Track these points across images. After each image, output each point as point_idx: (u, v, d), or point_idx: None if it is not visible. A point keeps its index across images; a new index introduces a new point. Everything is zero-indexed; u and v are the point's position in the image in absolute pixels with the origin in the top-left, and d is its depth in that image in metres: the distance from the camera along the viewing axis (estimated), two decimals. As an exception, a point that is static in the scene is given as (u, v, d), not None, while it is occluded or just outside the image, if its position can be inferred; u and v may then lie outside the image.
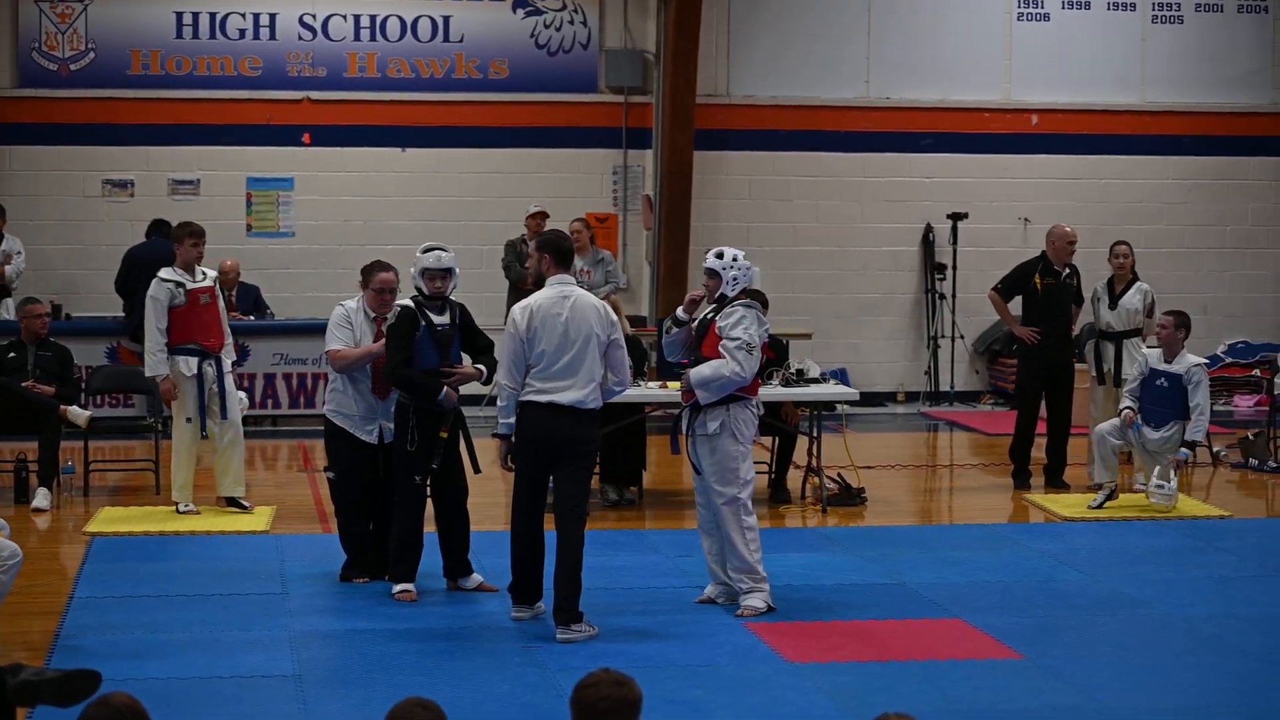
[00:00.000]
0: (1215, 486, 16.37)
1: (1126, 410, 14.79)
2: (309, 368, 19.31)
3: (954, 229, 22.01)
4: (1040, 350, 15.81)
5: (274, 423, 19.47)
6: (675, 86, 21.09)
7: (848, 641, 10.23)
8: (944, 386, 22.24)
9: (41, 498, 14.50)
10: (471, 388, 11.82)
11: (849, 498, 14.94)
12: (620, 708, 5.53)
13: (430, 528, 11.40)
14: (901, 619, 10.82)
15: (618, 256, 20.84)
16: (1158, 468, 14.55)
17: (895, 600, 11.32)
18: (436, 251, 11.24)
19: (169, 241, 14.98)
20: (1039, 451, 16.00)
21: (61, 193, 20.84)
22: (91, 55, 20.80)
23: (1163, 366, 14.77)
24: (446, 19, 21.36)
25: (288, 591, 11.47)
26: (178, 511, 14.04)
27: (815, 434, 14.96)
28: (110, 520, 13.90)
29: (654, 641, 10.20)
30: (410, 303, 11.22)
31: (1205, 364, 15.02)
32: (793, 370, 14.84)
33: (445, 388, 11.09)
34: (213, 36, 20.98)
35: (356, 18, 21.23)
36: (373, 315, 11.80)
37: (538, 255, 10.67)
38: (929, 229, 22.22)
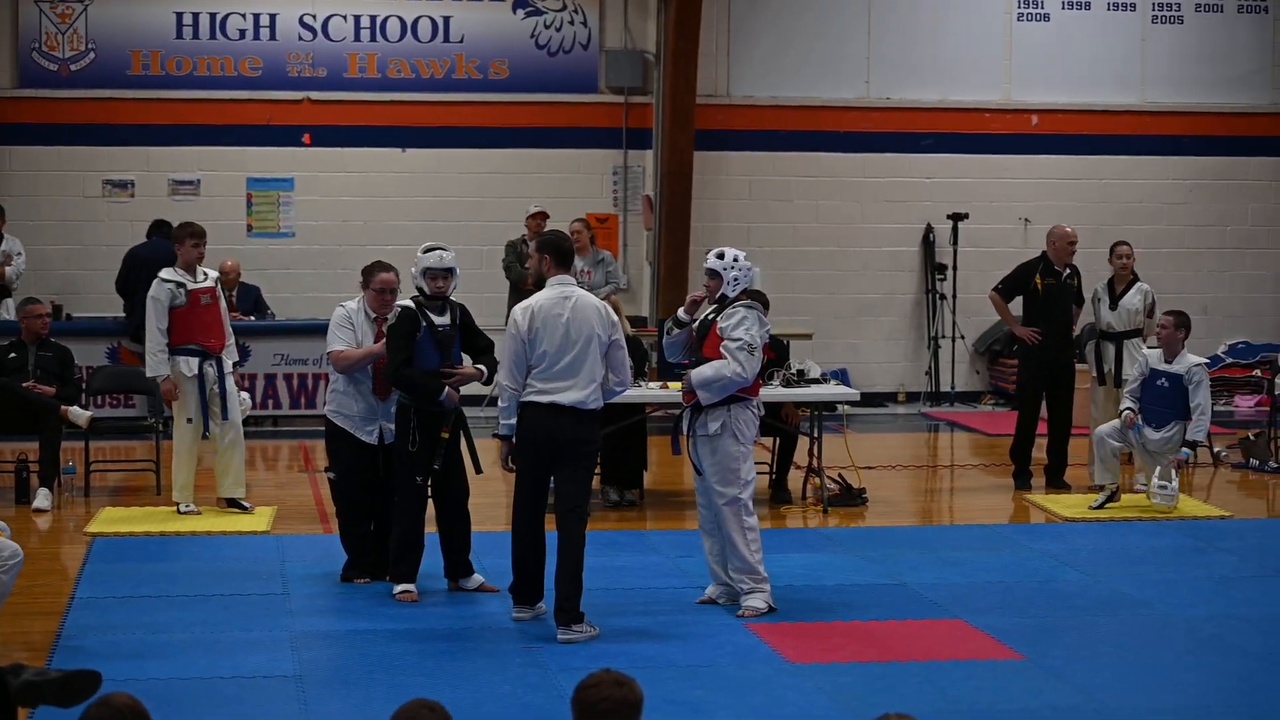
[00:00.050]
0: (1216, 487, 16.37)
1: (1127, 411, 14.78)
2: (309, 368, 19.31)
3: (954, 229, 22.01)
4: (1041, 350, 15.81)
5: (274, 423, 19.47)
6: (675, 87, 21.09)
7: (849, 642, 10.23)
8: (944, 387, 22.24)
9: (42, 498, 14.50)
10: (472, 388, 11.82)
11: (850, 498, 14.94)
12: (621, 708, 5.53)
13: (431, 528, 11.40)
14: (902, 619, 10.82)
15: (618, 257, 20.84)
16: (1159, 468, 14.54)
17: (896, 601, 11.32)
18: (438, 251, 11.24)
19: (169, 242, 14.98)
20: (1040, 452, 16.00)
21: (62, 193, 20.84)
22: (92, 55, 20.80)
23: (1163, 367, 14.77)
24: (446, 19, 21.36)
25: (288, 592, 11.47)
26: (178, 512, 14.04)
27: (816, 434, 14.96)
28: (111, 521, 13.90)
29: (655, 642, 10.20)
30: (411, 303, 11.22)
31: (1206, 364, 15.02)
32: (793, 371, 14.84)
33: (446, 388, 11.09)
34: (213, 37, 20.99)
35: (357, 18, 21.23)
36: (373, 316, 11.80)
37: (538, 256, 10.67)
38: (929, 229, 22.22)
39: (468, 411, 11.59)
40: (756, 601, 10.81)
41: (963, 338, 22.20)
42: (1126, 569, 12.43)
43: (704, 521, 11.08)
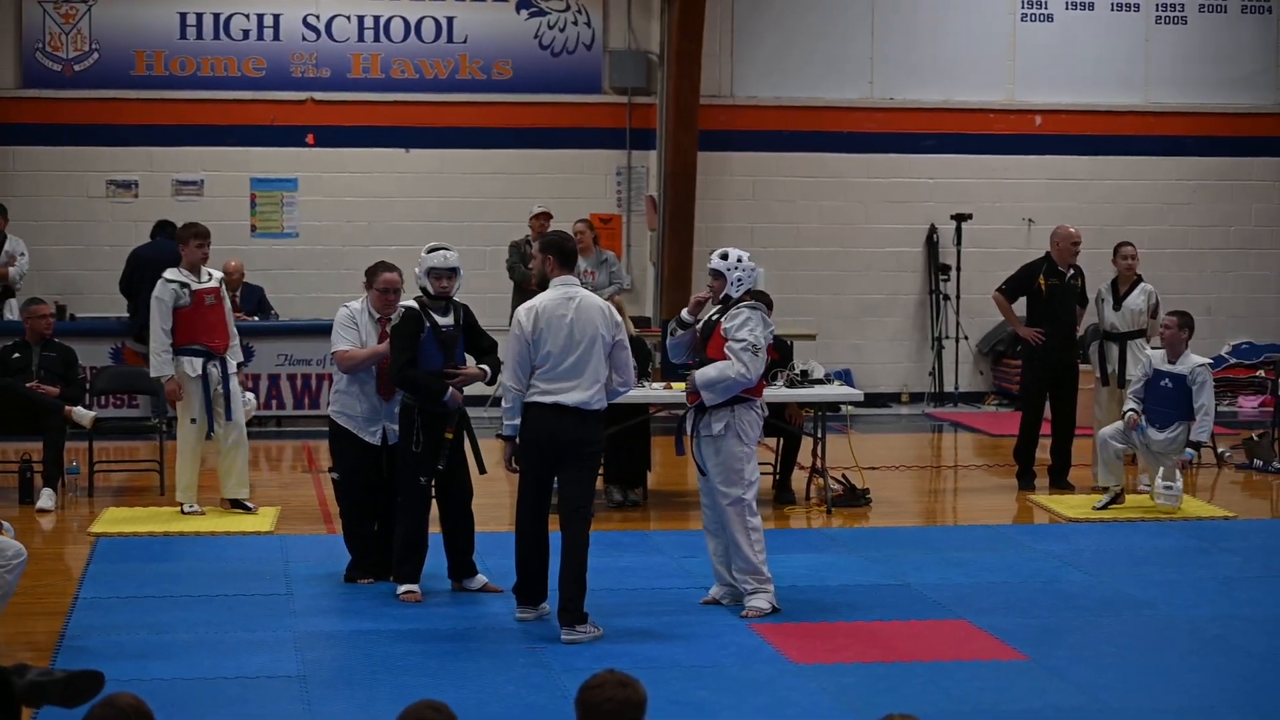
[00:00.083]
0: (1220, 487, 16.36)
1: (1130, 413, 14.77)
2: (313, 368, 19.30)
3: (958, 230, 22.01)
4: (1044, 351, 15.81)
5: (278, 423, 19.48)
6: (679, 87, 21.10)
7: (852, 642, 10.23)
8: (948, 387, 22.24)
9: (46, 498, 14.50)
10: (476, 388, 11.82)
11: (853, 499, 14.94)
12: (625, 709, 5.53)
13: (435, 529, 11.40)
14: (906, 620, 10.81)
15: (621, 257, 20.83)
16: (1163, 468, 14.53)
17: (900, 601, 11.32)
18: (442, 251, 11.24)
19: (173, 242, 14.98)
20: (1043, 453, 16.00)
21: (65, 193, 20.86)
22: (95, 56, 20.81)
23: (1166, 367, 14.76)
24: (450, 20, 21.37)
25: (292, 592, 11.48)
26: (182, 512, 14.05)
27: (819, 435, 14.95)
28: (115, 521, 13.91)
29: (659, 642, 10.20)
30: (414, 304, 11.21)
31: (1209, 364, 15.00)
32: (797, 371, 14.84)
33: (450, 389, 11.09)
34: (216, 37, 21.00)
35: (360, 18, 21.24)
36: (377, 316, 11.80)
37: (541, 256, 10.68)
38: (933, 230, 22.22)
39: (471, 412, 11.59)
40: (760, 602, 10.81)
41: (966, 338, 22.20)
42: (1130, 569, 12.43)
43: (708, 522, 11.08)
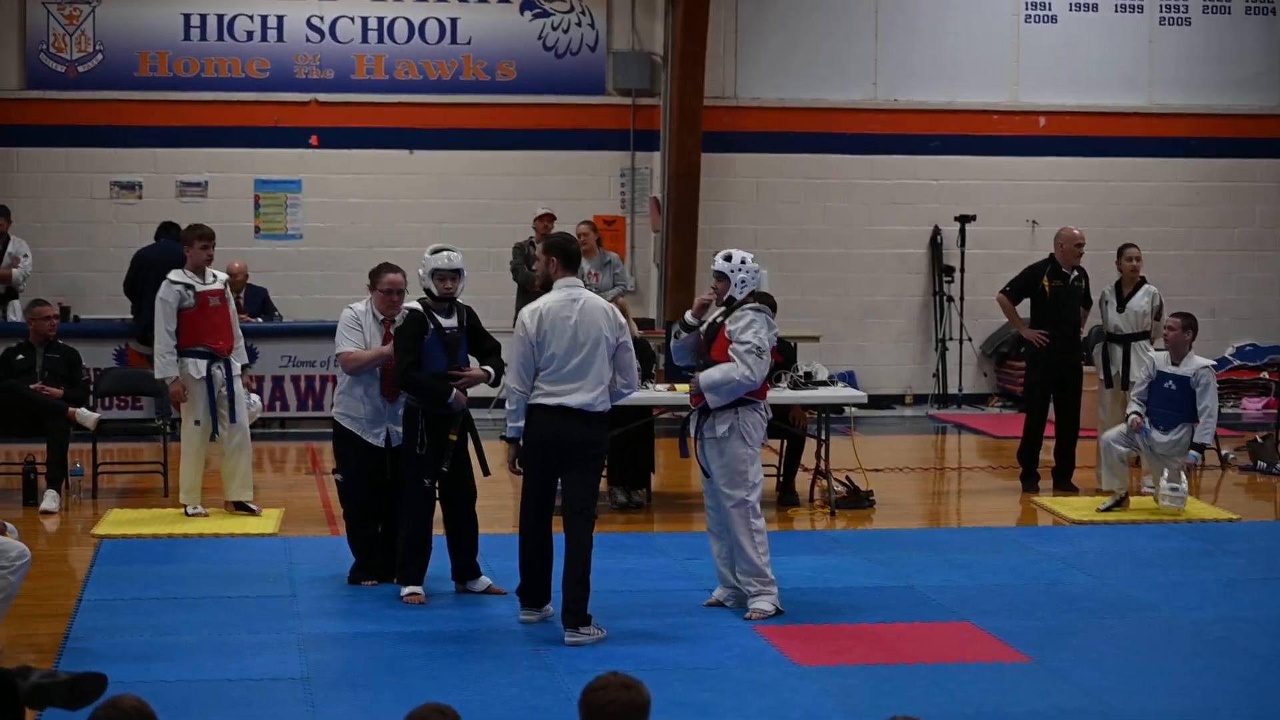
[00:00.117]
0: (1223, 489, 16.36)
1: (1134, 416, 14.75)
2: (317, 370, 19.31)
3: (962, 231, 22.01)
4: (1048, 353, 15.81)
5: (282, 425, 19.48)
6: (683, 89, 21.10)
7: (856, 644, 10.23)
8: (952, 389, 22.24)
9: (50, 500, 14.50)
10: (480, 390, 11.82)
11: (857, 501, 14.94)
12: (628, 711, 5.53)
13: (439, 530, 11.40)
14: (910, 622, 10.81)
15: (625, 259, 20.82)
16: (1168, 470, 14.52)
17: (903, 603, 11.32)
18: (446, 252, 11.24)
19: (178, 243, 15.00)
20: (1047, 454, 15.99)
21: (69, 194, 20.87)
22: (99, 57, 20.82)
23: (1170, 369, 14.74)
24: (454, 21, 21.37)
25: (296, 594, 11.48)
26: (186, 514, 14.05)
27: (823, 437, 14.96)
28: (118, 522, 13.91)
29: (662, 644, 10.20)
30: (418, 306, 11.22)
31: (1213, 365, 14.99)
32: (800, 373, 14.85)
33: (454, 390, 11.09)
34: (220, 38, 21.01)
35: (364, 20, 21.25)
36: (381, 317, 11.81)
37: (544, 258, 10.67)
38: (936, 231, 22.22)
39: (475, 414, 11.59)
40: (764, 604, 10.80)
41: (970, 340, 22.19)
42: (1134, 571, 12.43)
43: (712, 524, 11.08)
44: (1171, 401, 14.67)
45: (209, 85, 20.98)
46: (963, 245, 22.04)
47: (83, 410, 14.92)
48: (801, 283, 21.80)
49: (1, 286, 18.95)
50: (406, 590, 11.19)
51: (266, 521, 13.94)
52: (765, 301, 11.28)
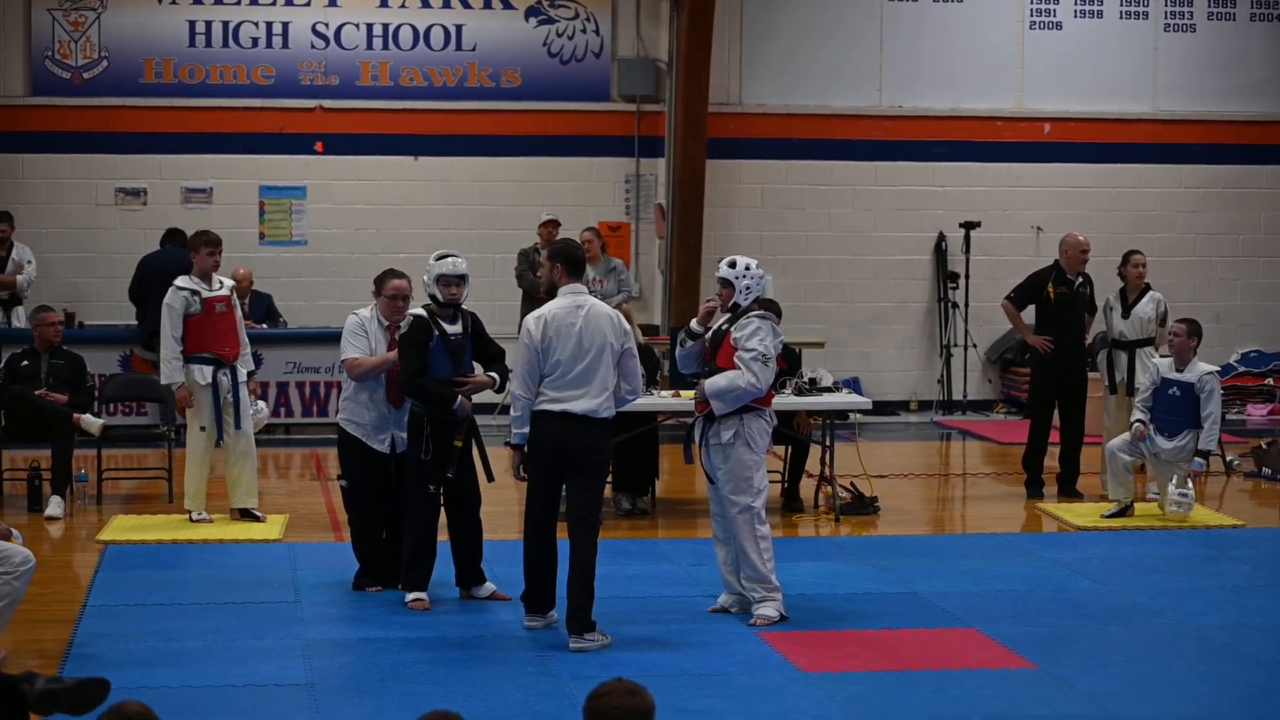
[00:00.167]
0: (1228, 496, 16.35)
1: (1137, 424, 14.74)
2: (321, 376, 19.33)
3: (966, 238, 22.00)
4: (1053, 359, 15.81)
5: (286, 431, 19.48)
6: (688, 95, 21.10)
7: (861, 650, 10.22)
8: (957, 395, 22.23)
9: (54, 506, 14.51)
10: (485, 396, 11.82)
11: (862, 507, 14.93)
12: (633, 717, 5.53)
13: (443, 536, 11.40)
14: (914, 628, 10.81)
15: (630, 265, 20.84)
16: (1175, 476, 14.50)
17: (908, 609, 11.31)
18: (451, 258, 11.25)
19: (183, 250, 15.01)
20: (1052, 460, 15.99)
21: (74, 201, 20.88)
22: (104, 64, 20.83)
23: (1174, 375, 14.73)
24: (459, 28, 21.37)
25: (300, 600, 11.48)
26: (191, 520, 14.06)
27: (828, 443, 14.96)
28: (123, 528, 13.91)
29: (667, 650, 10.20)
30: (423, 312, 11.22)
31: (1217, 371, 14.98)
32: (805, 379, 14.85)
33: (459, 397, 11.10)
34: (225, 45, 21.01)
35: (369, 26, 21.26)
36: (386, 323, 11.81)
37: (549, 264, 10.67)
38: (941, 238, 22.22)
39: (479, 420, 11.60)
40: (768, 610, 10.80)
41: (975, 346, 22.19)
42: (1139, 578, 12.41)
43: (718, 531, 11.08)
44: (1176, 408, 14.67)
45: (214, 92, 21.00)
46: (967, 251, 22.03)
47: (87, 416, 14.92)
48: (806, 289, 21.80)
49: (5, 293, 18.96)
50: (411, 596, 11.19)
51: (271, 527, 13.94)
52: (770, 308, 11.29)
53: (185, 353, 13.87)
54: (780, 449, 15.09)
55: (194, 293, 13.90)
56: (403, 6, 21.27)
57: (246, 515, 14.15)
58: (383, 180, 21.33)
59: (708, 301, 11.17)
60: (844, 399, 15.26)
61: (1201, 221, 22.77)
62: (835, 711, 9.04)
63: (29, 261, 19.11)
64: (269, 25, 21.10)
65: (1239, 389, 22.10)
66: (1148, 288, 16.18)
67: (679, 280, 21.30)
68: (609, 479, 12.60)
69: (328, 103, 21.21)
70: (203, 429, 13.95)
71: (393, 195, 21.33)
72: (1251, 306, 22.95)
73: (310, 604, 11.36)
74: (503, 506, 13.96)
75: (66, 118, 20.80)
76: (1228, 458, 17.30)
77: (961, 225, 22.00)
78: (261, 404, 14.97)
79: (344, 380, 11.95)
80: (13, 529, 9.87)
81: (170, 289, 13.96)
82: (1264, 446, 17.46)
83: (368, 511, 11.75)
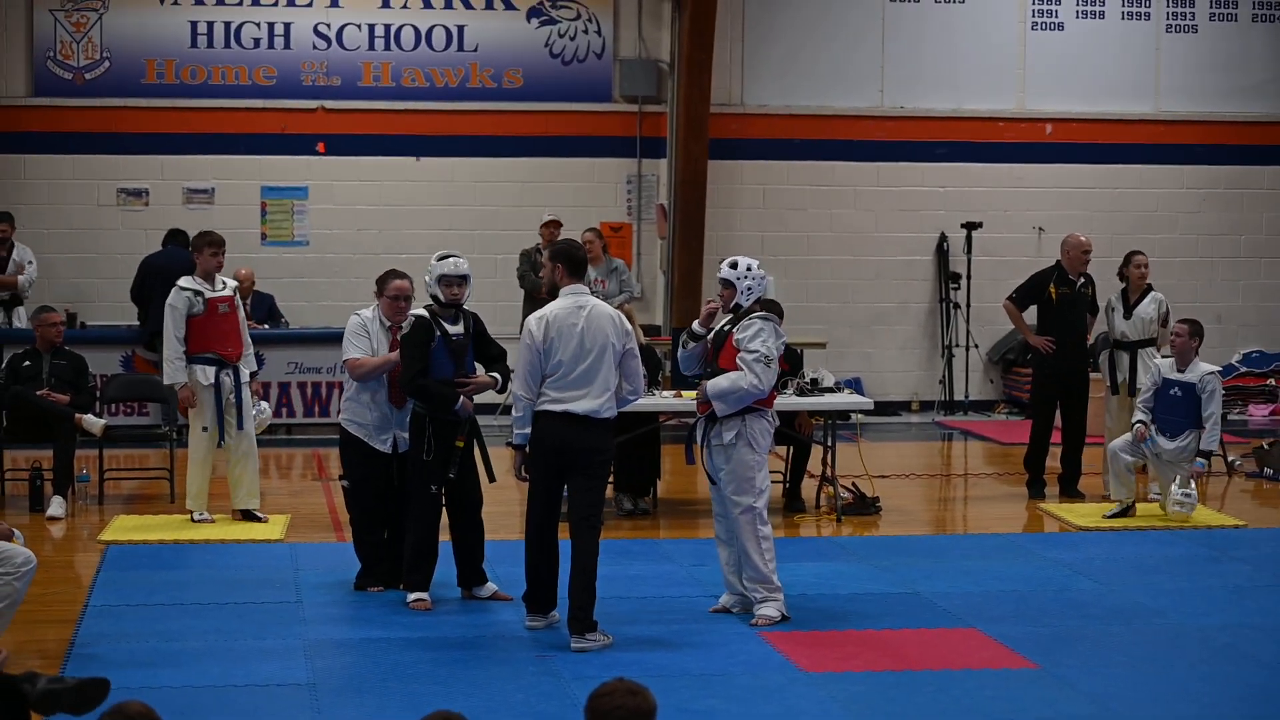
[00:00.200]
0: (1230, 496, 16.34)
1: (1139, 426, 14.73)
2: (323, 376, 19.34)
3: (968, 238, 22.00)
4: (1055, 359, 15.81)
5: (288, 431, 19.48)
6: (689, 96, 21.10)
7: (862, 651, 10.23)
8: (958, 396, 22.23)
9: (56, 506, 14.52)
10: (486, 396, 11.82)
11: (863, 507, 14.93)
12: (634, 717, 5.53)
13: (445, 536, 11.40)
14: (916, 628, 10.81)
15: (632, 266, 20.84)
16: (1179, 476, 14.50)
17: (910, 609, 11.32)
18: (453, 258, 11.25)
19: (185, 250, 15.03)
20: (1054, 461, 15.99)
21: (76, 201, 20.88)
22: (106, 64, 20.84)
23: (1175, 376, 14.73)
24: (461, 28, 21.37)
25: (302, 600, 11.48)
26: (192, 520, 14.06)
27: (830, 443, 14.96)
28: (125, 528, 13.91)
29: (668, 651, 10.20)
30: (425, 312, 11.22)
31: (1218, 371, 14.98)
32: (807, 379, 14.84)
33: (461, 397, 11.10)
34: (227, 46, 21.01)
35: (371, 27, 21.25)
36: (388, 324, 11.82)
37: (550, 265, 10.68)
38: (943, 238, 22.22)
39: (481, 420, 11.60)
40: (770, 610, 10.81)
41: (976, 346, 22.18)
42: (1140, 578, 12.42)
43: (720, 531, 11.08)
44: (1177, 408, 14.67)
45: (216, 92, 21.00)
46: (969, 252, 22.03)
47: (89, 416, 14.92)
48: (808, 289, 21.80)
49: (6, 293, 18.96)
50: (412, 596, 11.19)
51: (272, 527, 13.94)
52: (772, 309, 11.29)
53: (188, 353, 13.87)
54: (782, 449, 15.09)
55: (197, 293, 13.90)
56: (404, 7, 21.27)
57: (248, 516, 14.15)
58: (384, 181, 21.34)
59: (709, 303, 11.17)
60: (846, 399, 15.26)
61: (1203, 222, 22.77)
62: (837, 712, 9.04)
63: (30, 262, 19.11)
64: (271, 26, 21.10)
65: (1240, 389, 22.10)
66: (1149, 288, 16.18)
67: (680, 281, 21.30)
68: (610, 479, 12.60)
69: (330, 103, 21.22)
70: (205, 429, 13.95)
71: (394, 196, 21.33)
72: (1253, 307, 22.95)
73: (312, 604, 11.37)
74: (504, 507, 13.97)
75: (68, 118, 20.81)
76: (1229, 458, 17.30)
77: (963, 226, 22.00)
78: (264, 404, 14.97)
79: (346, 381, 11.95)
80: (14, 529, 9.87)
81: (173, 289, 13.96)
82: (1265, 447, 17.47)
83: (369, 512, 11.75)
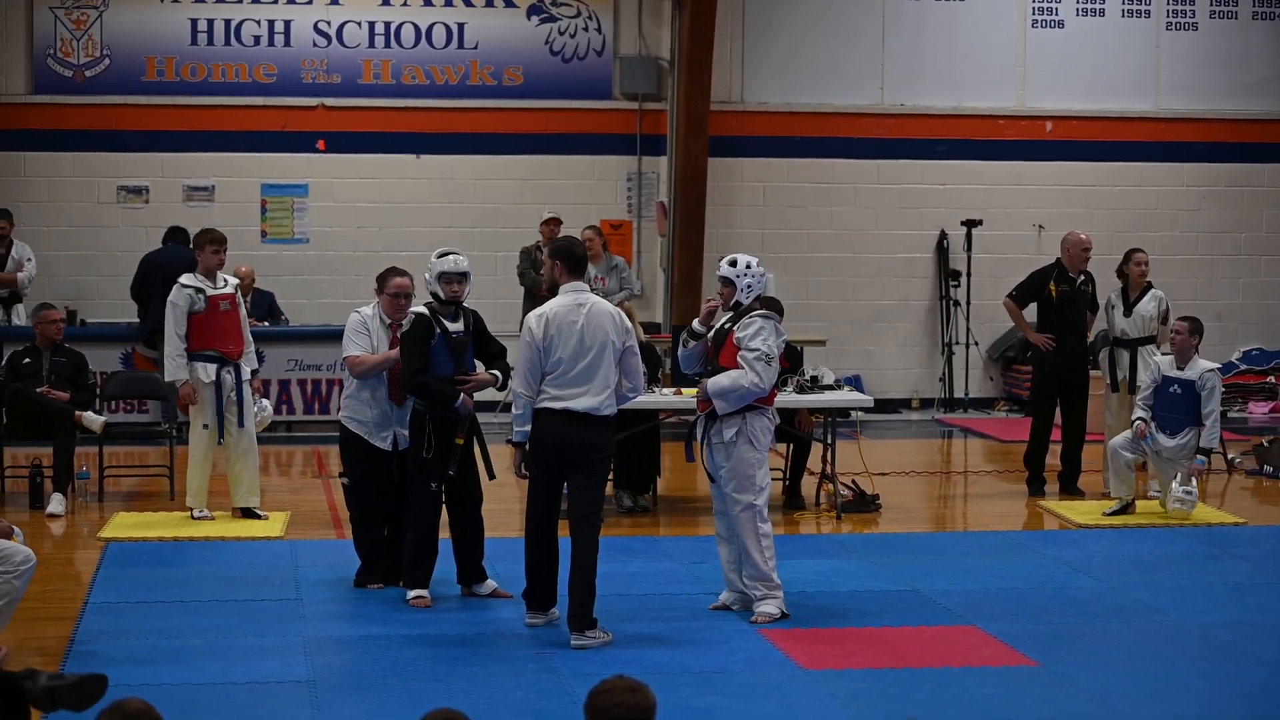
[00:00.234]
0: (1230, 493, 16.35)
1: (1139, 423, 14.73)
2: (323, 374, 19.34)
3: (968, 236, 22.00)
4: (1055, 357, 15.81)
5: (288, 429, 19.48)
6: (690, 93, 21.10)
7: (862, 648, 10.23)
8: (958, 393, 22.23)
9: (56, 503, 14.52)
10: (486, 394, 11.82)
11: (863, 504, 14.93)
12: (634, 714, 5.53)
13: (445, 534, 11.40)
14: (916, 626, 10.81)
15: (632, 263, 20.84)
16: (1180, 474, 14.50)
17: (910, 607, 11.32)
18: (453, 256, 11.25)
19: (185, 248, 15.03)
20: (1053, 458, 15.99)
21: (76, 199, 20.88)
22: (106, 62, 20.83)
23: (1175, 373, 14.73)
24: (461, 26, 21.37)
25: (302, 597, 11.48)
26: (192, 517, 14.06)
27: (830, 441, 14.96)
28: (125, 526, 13.92)
29: (668, 648, 10.20)
30: (425, 310, 11.22)
31: (1217, 369, 14.97)
32: (807, 377, 14.84)
33: (461, 395, 11.10)
34: (227, 43, 21.01)
35: (371, 24, 21.25)
36: (388, 321, 11.82)
37: (550, 262, 10.68)
38: (943, 236, 22.22)
39: (481, 417, 11.60)
40: (770, 607, 10.81)
41: (976, 344, 22.18)
42: (1140, 575, 12.42)
43: (720, 529, 11.08)
44: (1177, 405, 14.66)
45: (216, 90, 21.00)
46: (969, 250, 22.03)
47: (89, 414, 14.92)
48: (808, 287, 21.81)
49: (5, 290, 18.96)
50: (412, 593, 11.20)
51: (272, 525, 13.94)
52: (772, 307, 11.29)
53: (189, 350, 13.87)
54: (782, 447, 15.10)
55: (199, 290, 13.90)
56: (405, 5, 21.27)
57: (248, 514, 14.15)
58: (385, 178, 21.34)
59: (709, 301, 11.17)
60: (846, 397, 15.26)
61: (1203, 220, 22.77)
62: (836, 709, 9.04)
63: (28, 259, 19.12)
64: (271, 23, 21.10)
65: (1240, 387, 22.12)
66: (1149, 286, 16.17)
67: (681, 278, 21.30)
68: (610, 476, 12.60)
69: (330, 101, 21.22)
70: (205, 427, 13.95)
71: (395, 193, 21.33)
72: (1253, 305, 22.95)
73: (312, 601, 11.37)
74: (504, 504, 13.97)
75: (68, 116, 20.81)
76: (1229, 455, 17.30)
77: (963, 223, 22.00)
78: (265, 402, 14.97)
79: (346, 378, 11.96)
80: (15, 527, 9.87)
81: (175, 286, 13.96)
82: (1265, 444, 17.47)
83: (369, 509, 11.75)
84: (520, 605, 10.79)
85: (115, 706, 5.64)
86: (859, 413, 17.50)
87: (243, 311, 14.27)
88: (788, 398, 14.24)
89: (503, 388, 11.60)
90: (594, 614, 10.24)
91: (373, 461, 11.71)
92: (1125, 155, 22.54)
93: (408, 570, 11.28)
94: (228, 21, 21.02)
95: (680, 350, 11.24)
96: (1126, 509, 14.66)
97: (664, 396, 14.46)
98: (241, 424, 14.02)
